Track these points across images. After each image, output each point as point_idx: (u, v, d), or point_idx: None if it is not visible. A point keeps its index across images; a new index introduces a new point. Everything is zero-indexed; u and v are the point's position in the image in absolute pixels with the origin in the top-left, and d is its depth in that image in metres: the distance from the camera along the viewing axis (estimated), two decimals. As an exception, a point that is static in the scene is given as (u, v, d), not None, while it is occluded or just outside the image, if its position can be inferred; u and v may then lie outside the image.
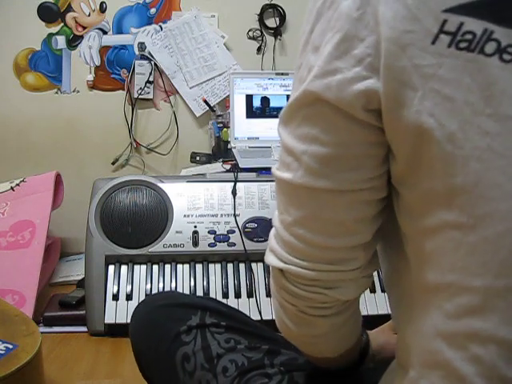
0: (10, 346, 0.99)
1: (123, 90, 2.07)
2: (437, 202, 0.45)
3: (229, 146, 1.94)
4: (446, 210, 0.44)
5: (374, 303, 1.44)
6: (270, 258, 0.56)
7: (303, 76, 0.49)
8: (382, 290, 1.45)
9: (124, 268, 1.49)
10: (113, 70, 2.08)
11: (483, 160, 0.42)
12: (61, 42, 2.06)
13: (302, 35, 0.50)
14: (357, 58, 0.44)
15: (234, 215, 1.55)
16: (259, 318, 1.40)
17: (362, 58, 0.44)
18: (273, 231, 0.56)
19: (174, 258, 1.51)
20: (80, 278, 1.67)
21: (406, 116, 0.43)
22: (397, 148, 0.47)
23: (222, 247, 1.52)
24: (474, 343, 0.44)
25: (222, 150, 1.97)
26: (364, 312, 1.41)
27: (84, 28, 2.07)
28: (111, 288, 1.45)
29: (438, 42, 0.42)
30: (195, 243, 1.51)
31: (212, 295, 1.46)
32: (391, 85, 0.43)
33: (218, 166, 1.83)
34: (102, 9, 2.06)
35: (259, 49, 2.11)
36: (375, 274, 1.61)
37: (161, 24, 2.07)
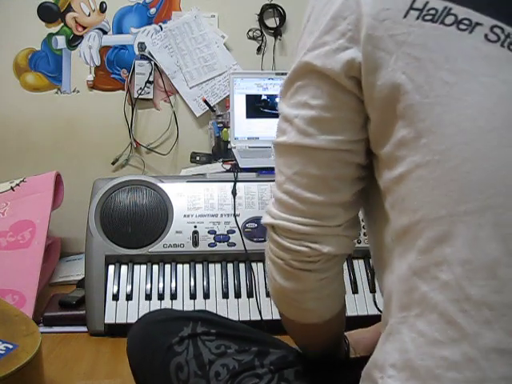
0: (10, 346, 0.99)
1: (123, 90, 2.07)
2: (408, 148, 0.53)
3: (229, 146, 1.94)
4: (415, 152, 0.52)
5: (373, 303, 1.44)
6: (264, 218, 0.64)
7: (299, 54, 0.59)
8: (382, 290, 1.45)
9: (124, 268, 1.49)
10: (113, 69, 2.08)
11: (444, 104, 0.51)
12: (61, 42, 2.06)
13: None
14: (340, 32, 0.55)
15: (234, 215, 1.55)
16: (259, 318, 1.40)
17: (344, 32, 0.55)
18: (271, 199, 0.65)
19: (174, 258, 1.51)
20: (80, 278, 1.67)
21: (383, 75, 0.53)
22: (372, 109, 0.56)
23: (221, 247, 1.52)
24: (442, 271, 0.50)
25: (222, 150, 1.97)
26: (364, 312, 1.42)
27: (84, 28, 2.07)
28: (111, 288, 1.45)
29: (409, 16, 0.53)
30: (195, 243, 1.51)
31: (212, 295, 1.46)
32: (370, 51, 0.53)
33: (218, 166, 1.83)
34: (102, 9, 2.06)
35: (259, 49, 2.11)
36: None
37: (161, 24, 2.07)
